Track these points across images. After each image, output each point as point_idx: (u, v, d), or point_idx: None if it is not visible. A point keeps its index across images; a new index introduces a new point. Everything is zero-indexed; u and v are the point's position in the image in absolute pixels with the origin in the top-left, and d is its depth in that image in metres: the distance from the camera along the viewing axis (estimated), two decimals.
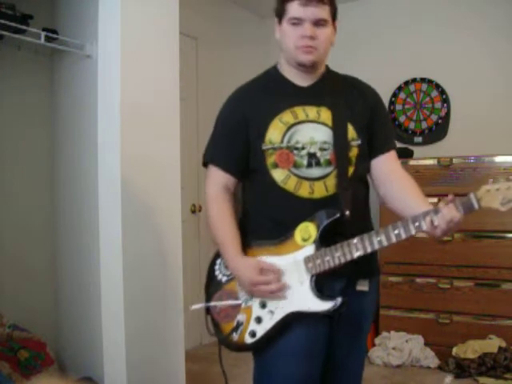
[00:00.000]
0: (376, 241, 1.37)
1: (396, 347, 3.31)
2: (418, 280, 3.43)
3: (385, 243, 1.37)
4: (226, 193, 1.57)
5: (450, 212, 1.30)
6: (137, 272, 2.32)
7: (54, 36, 2.60)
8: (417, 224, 1.33)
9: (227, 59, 4.11)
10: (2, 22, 2.35)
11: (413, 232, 1.34)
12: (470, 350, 3.13)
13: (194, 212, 3.77)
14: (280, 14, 1.50)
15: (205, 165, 1.64)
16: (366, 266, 1.55)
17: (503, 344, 3.11)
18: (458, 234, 3.31)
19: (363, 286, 1.55)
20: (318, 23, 1.46)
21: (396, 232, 1.35)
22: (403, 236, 1.35)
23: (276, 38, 1.56)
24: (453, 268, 3.34)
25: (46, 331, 2.72)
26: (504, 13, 3.65)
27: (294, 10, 1.45)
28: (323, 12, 1.45)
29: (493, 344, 3.11)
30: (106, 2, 2.33)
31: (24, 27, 2.47)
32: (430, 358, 3.27)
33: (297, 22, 1.45)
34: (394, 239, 1.36)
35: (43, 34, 2.50)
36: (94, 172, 2.41)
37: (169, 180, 2.51)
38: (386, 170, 1.57)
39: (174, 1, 2.53)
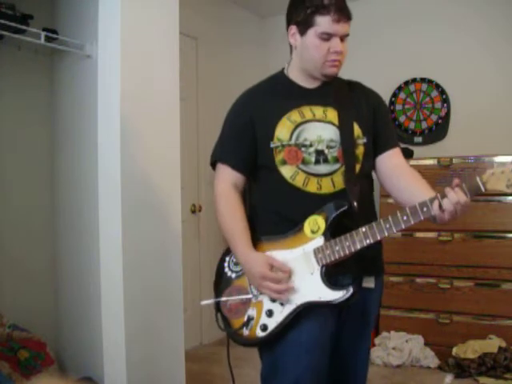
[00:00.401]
0: (385, 227, 1.39)
1: (396, 347, 3.31)
2: (418, 280, 3.43)
3: (394, 229, 1.39)
4: (235, 190, 1.61)
5: (456, 194, 1.32)
6: (137, 272, 2.32)
7: (54, 36, 2.60)
8: (425, 209, 1.35)
9: (227, 59, 4.11)
10: (2, 21, 2.35)
11: (421, 217, 1.36)
12: (470, 350, 3.13)
13: (193, 212, 3.77)
14: (305, 24, 1.51)
15: (213, 165, 1.67)
16: (372, 264, 1.59)
17: (503, 344, 3.11)
18: (458, 233, 3.31)
19: (369, 283, 1.58)
20: (343, 38, 1.51)
21: (405, 218, 1.37)
22: (412, 221, 1.37)
23: (290, 42, 1.59)
24: (453, 268, 3.33)
25: (45, 331, 2.73)
26: (504, 13, 3.65)
27: (326, 25, 1.47)
28: (349, 27, 1.52)
29: (493, 344, 3.11)
30: (106, 2, 2.33)
31: (24, 27, 2.47)
32: (430, 358, 3.27)
33: (327, 36, 1.49)
34: (402, 225, 1.38)
35: (43, 34, 2.50)
36: (94, 172, 2.41)
37: (169, 180, 2.51)
38: (391, 165, 1.61)
39: (174, 1, 2.53)
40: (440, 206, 1.33)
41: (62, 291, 2.85)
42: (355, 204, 1.46)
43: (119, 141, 2.27)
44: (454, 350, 3.19)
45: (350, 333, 1.60)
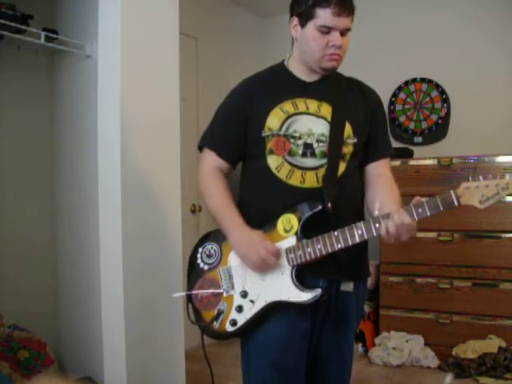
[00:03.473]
0: (357, 233, 1.39)
1: (396, 347, 3.31)
2: (418, 280, 3.43)
3: (365, 236, 1.39)
4: (221, 173, 1.62)
5: (400, 217, 1.33)
6: (137, 271, 2.32)
7: (54, 36, 2.60)
8: (377, 225, 1.38)
9: (227, 59, 4.11)
10: (2, 21, 2.35)
11: (374, 233, 1.39)
12: (470, 350, 3.13)
13: (193, 212, 3.77)
14: (306, 16, 1.50)
15: (200, 148, 1.68)
16: (350, 268, 1.56)
17: (503, 344, 3.11)
18: (458, 233, 3.31)
19: (347, 287, 1.57)
20: (344, 32, 1.50)
21: (377, 225, 1.37)
22: (383, 230, 1.37)
23: (291, 34, 1.58)
24: (453, 268, 3.33)
25: (45, 331, 2.72)
26: (505, 13, 3.64)
27: (326, 18, 1.46)
28: (350, 22, 1.50)
29: (493, 344, 3.11)
30: (106, 2, 2.33)
31: (24, 27, 2.47)
32: (430, 358, 3.27)
33: (326, 30, 1.47)
34: (374, 232, 1.38)
35: (43, 34, 2.50)
36: (94, 172, 2.41)
37: (169, 180, 2.51)
38: (375, 174, 1.61)
39: (174, 1, 2.53)
40: (387, 229, 1.34)
41: (62, 291, 2.85)
42: (329, 205, 1.45)
43: (119, 141, 2.27)
44: (454, 350, 3.19)
45: (329, 335, 1.58)
